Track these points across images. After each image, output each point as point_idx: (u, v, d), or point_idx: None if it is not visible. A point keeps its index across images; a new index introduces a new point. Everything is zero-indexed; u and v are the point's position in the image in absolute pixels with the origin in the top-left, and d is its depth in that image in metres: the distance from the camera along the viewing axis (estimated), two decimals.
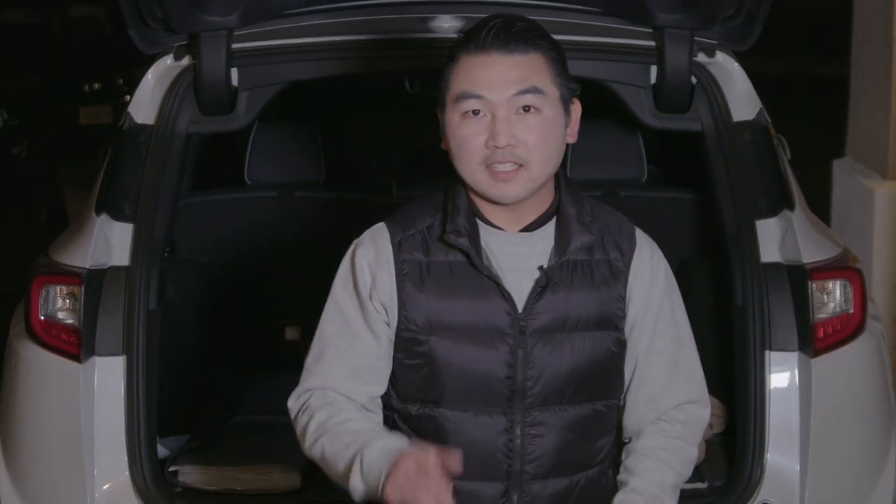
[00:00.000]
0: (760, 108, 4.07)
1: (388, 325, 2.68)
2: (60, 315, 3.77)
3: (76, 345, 3.72)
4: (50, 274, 3.82)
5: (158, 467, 3.77)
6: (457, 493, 2.51)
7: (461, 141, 2.63)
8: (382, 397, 2.72)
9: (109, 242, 3.85)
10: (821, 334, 3.74)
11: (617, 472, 2.79)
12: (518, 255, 2.67)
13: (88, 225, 3.90)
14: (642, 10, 4.03)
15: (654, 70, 4.01)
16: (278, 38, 4.06)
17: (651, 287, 2.77)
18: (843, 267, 3.87)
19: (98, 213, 3.90)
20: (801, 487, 3.68)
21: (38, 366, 3.77)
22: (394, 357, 2.69)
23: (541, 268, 2.66)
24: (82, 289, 3.75)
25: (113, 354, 3.72)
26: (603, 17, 4.15)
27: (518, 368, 2.65)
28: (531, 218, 2.69)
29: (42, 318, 3.77)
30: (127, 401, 3.70)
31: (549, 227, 2.69)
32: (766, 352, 3.72)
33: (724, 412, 4.09)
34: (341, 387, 2.67)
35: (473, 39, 2.66)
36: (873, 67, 5.87)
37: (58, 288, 3.79)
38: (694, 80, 4.00)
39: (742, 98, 4.04)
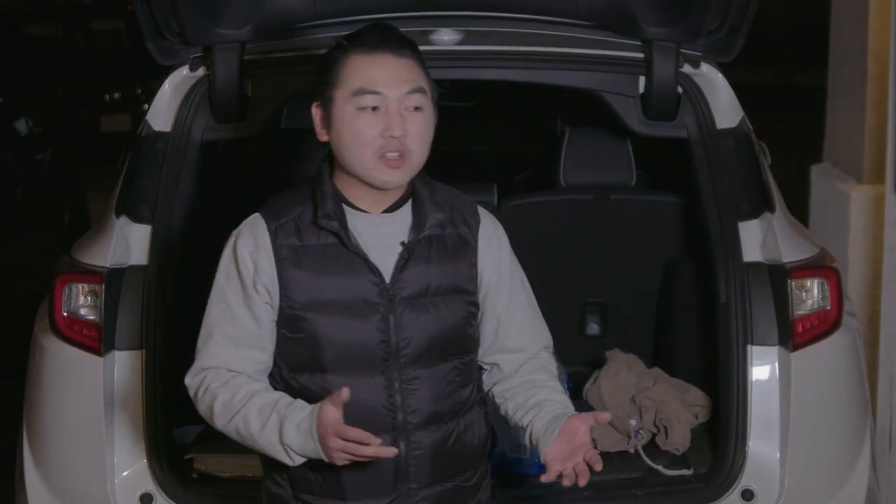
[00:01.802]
0: (743, 116, 4.07)
1: (270, 306, 2.82)
2: (82, 311, 3.77)
3: (97, 339, 3.72)
4: (72, 273, 3.82)
5: (175, 455, 3.77)
6: None
7: (358, 132, 2.78)
8: (272, 370, 2.87)
9: (128, 243, 3.85)
10: (800, 330, 3.74)
11: (485, 421, 2.99)
12: (381, 234, 2.84)
13: (109, 226, 3.90)
14: (631, 24, 4.03)
15: (642, 80, 4.01)
16: (288, 51, 4.06)
17: (499, 254, 2.95)
18: (821, 266, 3.87)
19: (118, 215, 3.90)
20: (781, 474, 3.68)
21: (62, 359, 3.77)
22: (280, 333, 2.84)
23: (403, 243, 2.83)
24: (103, 287, 3.75)
25: (132, 348, 3.72)
26: (594, 31, 4.15)
27: (391, 333, 2.82)
28: (392, 200, 2.85)
29: (65, 314, 3.77)
30: (145, 392, 3.70)
31: (406, 208, 2.86)
32: (748, 346, 3.72)
33: (708, 403, 4.09)
34: (232, 364, 2.84)
35: (363, 41, 2.82)
36: (849, 77, 5.87)
37: (80, 286, 3.79)
38: (680, 89, 4.00)
39: (725, 106, 4.04)
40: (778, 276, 3.77)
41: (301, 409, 2.73)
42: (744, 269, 3.78)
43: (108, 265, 3.80)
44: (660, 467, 3.85)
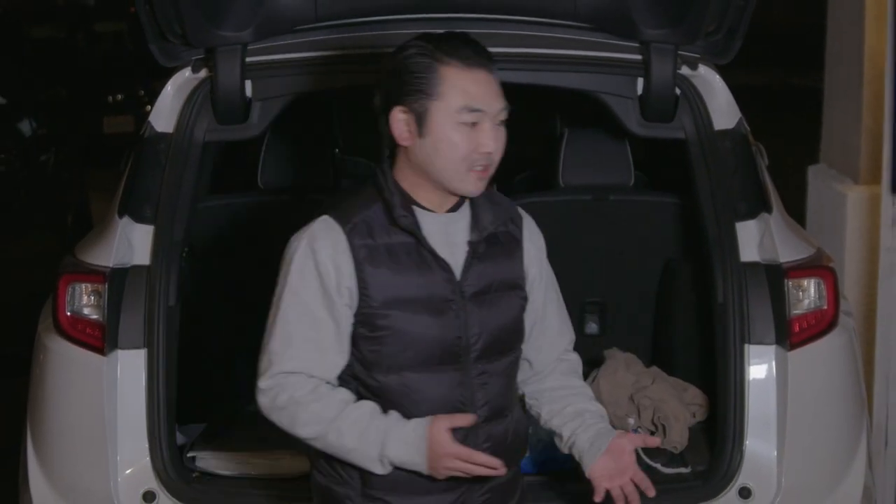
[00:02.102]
0: (740, 118, 4.07)
1: (349, 308, 2.82)
2: (86, 311, 3.77)
3: (100, 338, 3.73)
4: (76, 272, 3.82)
5: (177, 453, 3.77)
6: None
7: (455, 145, 2.79)
8: (344, 368, 2.86)
9: (131, 243, 3.85)
10: (796, 329, 3.74)
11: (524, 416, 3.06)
12: (447, 233, 2.87)
13: (112, 227, 3.90)
14: (630, 26, 4.03)
15: (640, 82, 4.02)
16: (289, 52, 4.06)
17: (540, 251, 3.03)
18: (818, 266, 3.87)
19: (121, 215, 3.90)
20: (778, 472, 3.68)
21: (65, 358, 3.77)
22: (358, 332, 2.83)
23: (470, 242, 2.87)
24: (106, 286, 3.76)
25: (135, 347, 3.72)
26: (593, 33, 4.15)
27: (463, 329, 2.85)
28: (455, 201, 2.89)
29: (68, 313, 3.77)
30: (148, 391, 3.70)
31: (465, 208, 2.91)
32: (746, 345, 3.72)
33: (706, 402, 4.09)
34: (314, 370, 2.82)
35: (457, 53, 2.81)
36: (845, 79, 5.87)
37: (83, 285, 3.79)
38: (678, 91, 4.01)
39: (723, 108, 4.04)
40: (775, 276, 3.77)
41: (403, 424, 2.78)
42: (741, 268, 3.78)
43: (111, 265, 3.80)
44: (658, 465, 3.85)
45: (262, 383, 2.84)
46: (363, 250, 2.81)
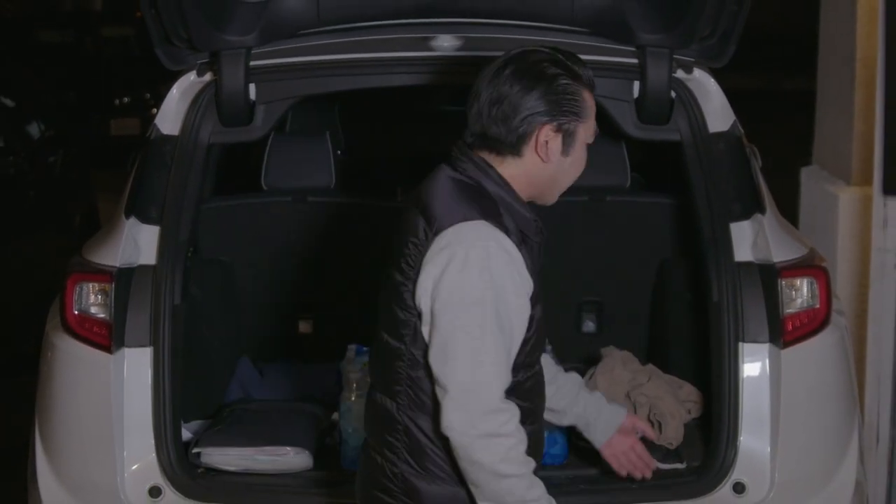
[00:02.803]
0: (734, 120, 4.07)
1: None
2: (93, 310, 3.77)
3: (107, 337, 3.72)
4: (83, 272, 3.82)
5: (182, 449, 3.77)
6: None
7: (582, 163, 2.93)
8: None
9: (138, 243, 3.85)
10: (789, 327, 3.74)
11: None
12: None
13: (118, 227, 3.90)
14: (626, 31, 4.03)
15: (636, 85, 4.01)
16: (293, 56, 4.06)
17: None
18: (810, 265, 3.87)
19: (127, 216, 3.90)
20: (771, 467, 3.68)
21: (73, 356, 3.77)
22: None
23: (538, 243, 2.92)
24: (113, 286, 3.75)
25: (141, 346, 3.72)
26: (590, 37, 4.15)
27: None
28: None
29: (76, 312, 3.77)
30: (153, 388, 3.70)
31: None
32: (740, 343, 3.72)
33: (700, 399, 4.08)
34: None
35: (588, 78, 2.88)
36: (838, 82, 5.87)
37: (90, 285, 3.79)
38: (673, 94, 4.00)
39: (717, 111, 4.04)
40: (768, 276, 3.77)
41: None
42: (735, 268, 3.78)
43: (117, 265, 3.80)
44: (654, 461, 3.84)
45: (503, 404, 2.75)
46: (522, 254, 2.81)
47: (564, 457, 3.84)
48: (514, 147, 2.83)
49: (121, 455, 3.69)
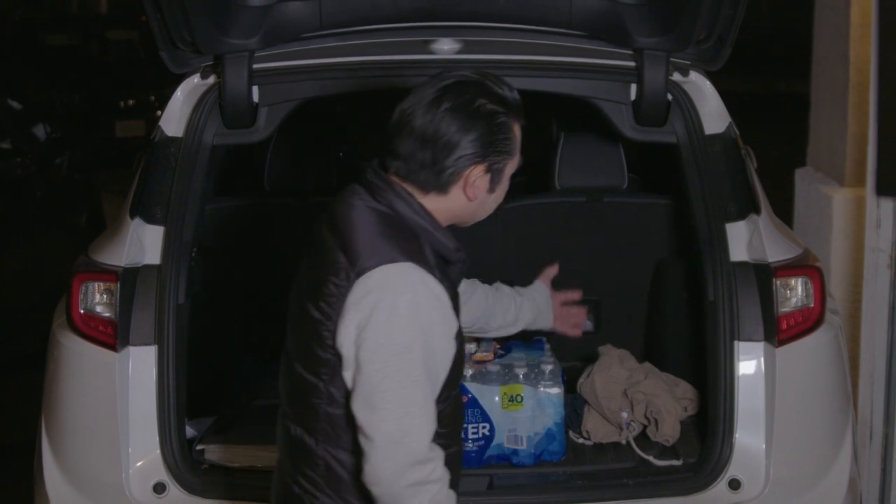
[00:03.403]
0: (730, 122, 4.07)
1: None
2: (98, 309, 3.77)
3: (112, 335, 3.72)
4: (89, 272, 3.82)
5: (187, 446, 3.77)
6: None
7: (503, 194, 2.82)
8: None
9: (142, 243, 3.85)
10: (784, 326, 3.74)
11: None
12: None
13: (124, 227, 3.90)
14: (623, 34, 4.03)
15: (633, 88, 4.01)
16: (295, 59, 4.06)
17: None
18: (805, 265, 3.86)
19: (132, 216, 3.90)
20: (766, 464, 3.68)
21: (78, 354, 3.77)
22: None
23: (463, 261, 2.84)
24: (118, 285, 3.75)
25: (146, 344, 3.72)
26: (588, 41, 4.15)
27: None
28: None
29: (82, 311, 3.77)
30: (158, 386, 3.70)
31: None
32: (735, 342, 3.72)
33: (696, 396, 4.08)
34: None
35: (520, 112, 2.78)
36: (832, 85, 5.87)
37: (96, 284, 3.79)
38: (670, 96, 4.01)
39: (713, 113, 4.04)
40: (763, 275, 3.77)
41: None
42: (731, 268, 3.78)
43: (122, 265, 3.80)
44: (650, 458, 3.84)
45: (430, 454, 2.63)
46: (446, 290, 2.69)
47: (562, 453, 3.84)
48: (441, 187, 2.71)
49: (126, 451, 3.69)
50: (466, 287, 3.40)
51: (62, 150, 8.50)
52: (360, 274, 2.62)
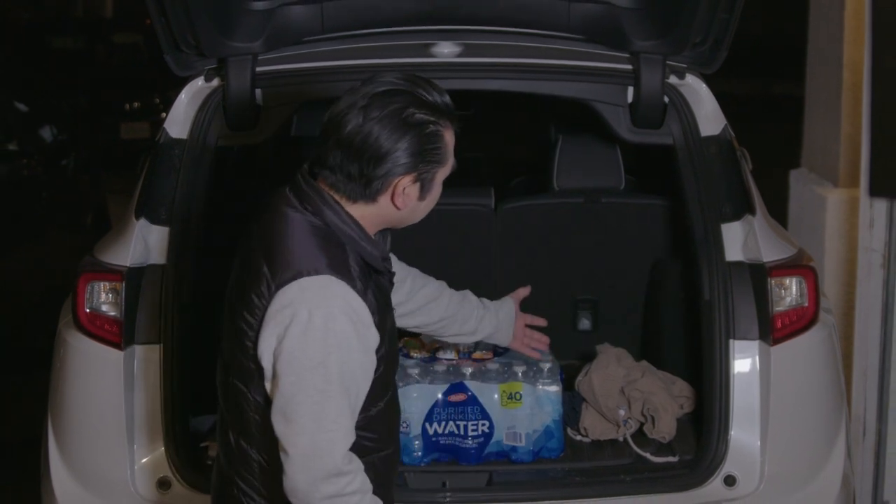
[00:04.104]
0: (725, 125, 4.07)
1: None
2: (104, 308, 3.77)
3: (118, 334, 3.72)
4: (95, 271, 3.82)
5: (191, 443, 3.77)
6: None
7: (435, 200, 2.75)
8: None
9: (147, 244, 3.85)
10: (779, 325, 3.74)
11: None
12: None
13: (129, 228, 3.90)
14: (620, 38, 4.03)
15: (630, 91, 4.01)
16: (298, 62, 4.06)
17: None
18: (799, 265, 3.86)
19: (137, 217, 3.90)
20: (761, 461, 3.68)
21: (84, 353, 3.77)
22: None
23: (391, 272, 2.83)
24: (123, 284, 3.75)
25: (151, 343, 3.72)
26: (585, 44, 4.15)
27: None
28: None
29: (87, 310, 3.77)
30: (163, 384, 3.70)
31: None
32: (731, 340, 3.72)
33: (693, 394, 4.09)
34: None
35: (452, 118, 2.69)
36: (826, 87, 5.87)
37: (102, 284, 3.78)
38: (666, 99, 4.00)
39: (709, 115, 4.04)
40: (758, 275, 3.76)
41: None
42: (726, 268, 3.78)
43: (128, 264, 3.80)
44: (647, 454, 3.84)
45: (346, 466, 2.59)
46: (369, 303, 2.64)
47: (560, 450, 3.85)
48: (369, 196, 2.65)
49: (131, 448, 3.69)
50: (433, 290, 3.35)
51: (68, 151, 8.50)
52: (279, 286, 2.58)
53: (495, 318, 3.46)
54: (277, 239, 2.64)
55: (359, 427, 2.66)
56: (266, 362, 2.61)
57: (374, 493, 2.66)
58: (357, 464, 2.62)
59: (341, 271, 2.59)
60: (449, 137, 2.69)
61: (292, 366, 2.55)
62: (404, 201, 2.68)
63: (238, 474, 2.76)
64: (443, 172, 2.71)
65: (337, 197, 2.67)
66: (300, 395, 2.55)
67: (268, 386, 2.63)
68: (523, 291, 3.55)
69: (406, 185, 2.65)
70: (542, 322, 3.58)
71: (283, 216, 2.67)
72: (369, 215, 2.69)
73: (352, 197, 2.66)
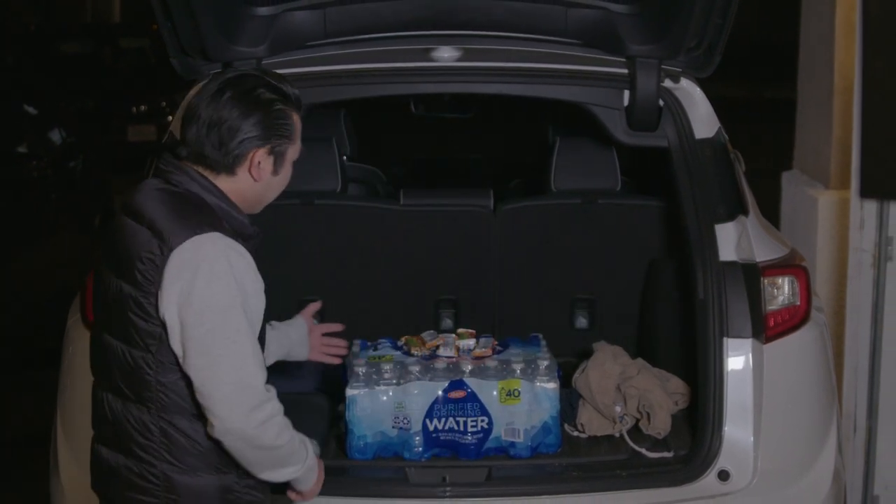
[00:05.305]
0: (719, 127, 4.06)
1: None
2: None
3: None
4: None
5: None
6: None
7: (287, 179, 2.99)
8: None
9: None
10: (771, 323, 3.73)
11: None
12: None
13: None
14: (616, 42, 4.03)
15: (626, 94, 4.01)
16: (300, 66, 4.06)
17: None
18: (791, 265, 3.86)
19: None
20: (754, 456, 3.67)
21: None
22: None
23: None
24: None
25: None
26: (582, 48, 4.15)
27: None
28: None
29: None
30: None
31: None
32: (724, 339, 3.71)
33: (687, 391, 4.09)
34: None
35: (293, 96, 2.95)
36: (817, 91, 5.87)
37: None
38: (661, 102, 4.00)
39: (703, 118, 4.03)
40: (752, 274, 3.76)
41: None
42: (720, 267, 3.77)
43: None
44: (643, 450, 3.84)
45: (268, 404, 2.81)
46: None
47: (558, 446, 3.84)
48: (228, 167, 2.88)
49: None
50: None
51: (76, 153, 8.51)
52: (172, 248, 2.75)
53: (287, 339, 3.50)
54: (156, 210, 2.82)
55: None
56: (170, 319, 2.75)
57: None
58: (272, 388, 2.83)
59: (222, 230, 2.81)
60: (296, 120, 2.94)
61: (205, 315, 2.73)
62: (260, 173, 2.89)
63: (134, 442, 2.85)
64: (293, 151, 2.95)
65: (202, 171, 2.88)
66: (218, 340, 2.73)
67: (174, 342, 2.77)
68: (314, 306, 3.62)
69: (261, 158, 2.89)
70: (338, 328, 3.63)
71: (153, 192, 2.87)
72: (231, 190, 2.89)
73: (215, 169, 2.88)
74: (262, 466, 2.84)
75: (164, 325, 2.77)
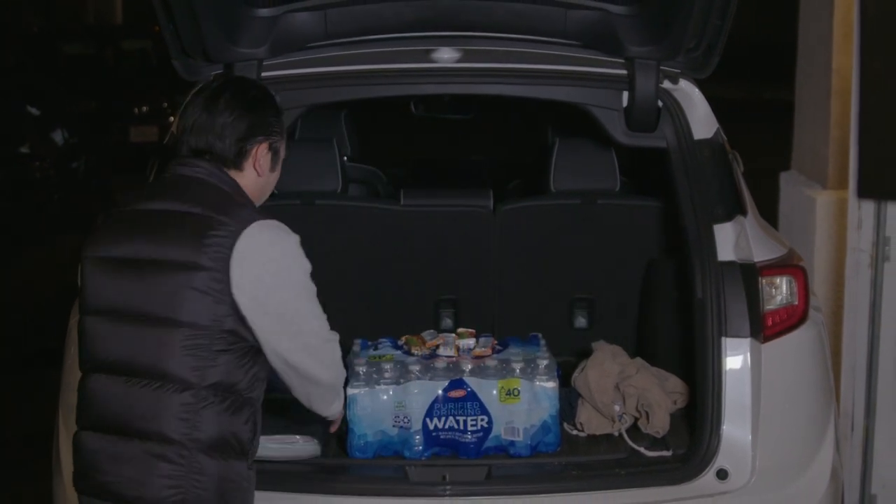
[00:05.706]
0: (718, 128, 4.07)
1: None
2: None
3: None
4: None
5: None
6: None
7: (277, 176, 3.17)
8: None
9: None
10: (769, 323, 3.74)
11: None
12: None
13: None
14: (615, 44, 4.03)
15: (625, 95, 4.01)
16: (302, 68, 4.06)
17: None
18: (789, 265, 3.86)
19: None
20: (752, 455, 3.68)
21: None
22: None
23: None
24: None
25: None
26: (581, 50, 4.15)
27: None
28: None
29: None
30: None
31: None
32: (723, 338, 3.71)
33: (686, 390, 4.09)
34: None
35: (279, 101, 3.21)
36: (815, 92, 5.87)
37: None
38: (660, 103, 4.00)
39: (702, 119, 4.03)
40: (750, 274, 3.76)
41: None
42: (718, 267, 3.77)
43: None
44: (642, 449, 3.84)
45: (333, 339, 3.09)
46: None
47: (557, 445, 3.84)
48: (237, 163, 3.05)
49: None
50: None
51: (79, 154, 8.52)
52: (240, 230, 2.91)
53: None
54: (202, 196, 2.98)
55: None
56: (245, 297, 2.90)
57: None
58: (335, 333, 3.10)
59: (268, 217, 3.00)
60: (284, 119, 3.18)
61: (286, 286, 2.96)
62: (262, 168, 3.08)
63: (149, 430, 2.91)
64: (283, 148, 3.15)
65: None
66: (302, 304, 2.99)
67: (251, 316, 2.92)
68: None
69: (262, 153, 3.08)
70: None
71: (201, 181, 3.02)
72: (241, 185, 3.07)
73: (225, 165, 3.05)
74: (332, 394, 3.16)
75: (235, 306, 2.90)
